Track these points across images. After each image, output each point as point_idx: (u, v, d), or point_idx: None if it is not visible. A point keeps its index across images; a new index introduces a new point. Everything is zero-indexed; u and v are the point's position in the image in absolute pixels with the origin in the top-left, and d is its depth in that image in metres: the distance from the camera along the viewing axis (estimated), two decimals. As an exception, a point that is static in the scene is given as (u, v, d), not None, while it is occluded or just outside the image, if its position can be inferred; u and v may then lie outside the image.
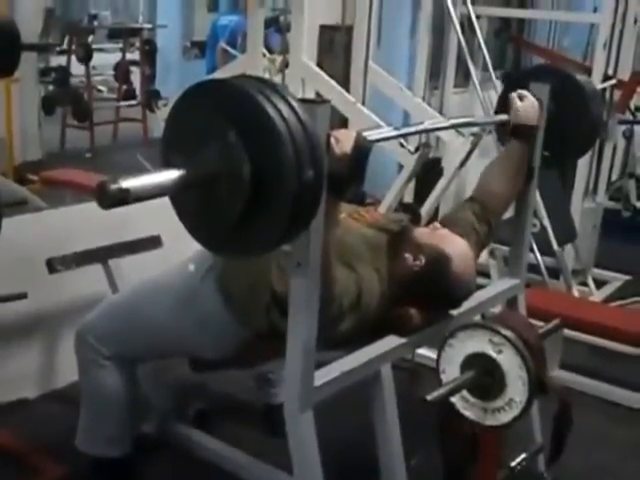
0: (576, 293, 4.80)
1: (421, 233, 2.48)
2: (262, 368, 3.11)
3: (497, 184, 2.74)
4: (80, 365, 2.80)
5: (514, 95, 2.62)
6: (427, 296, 2.41)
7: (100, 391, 2.75)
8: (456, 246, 2.42)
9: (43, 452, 3.00)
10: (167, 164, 1.64)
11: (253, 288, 2.49)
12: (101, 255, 3.19)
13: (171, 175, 1.56)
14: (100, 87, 10.74)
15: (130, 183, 1.45)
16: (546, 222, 4.57)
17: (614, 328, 3.75)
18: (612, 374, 3.91)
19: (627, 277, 5.37)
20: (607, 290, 5.18)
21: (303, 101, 1.66)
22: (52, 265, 3.09)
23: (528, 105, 2.61)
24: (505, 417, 1.94)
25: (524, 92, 2.62)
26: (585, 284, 5.14)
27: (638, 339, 3.73)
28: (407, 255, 2.41)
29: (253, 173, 1.55)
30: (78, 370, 2.81)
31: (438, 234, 2.47)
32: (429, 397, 1.82)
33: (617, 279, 5.37)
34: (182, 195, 1.65)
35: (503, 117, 2.60)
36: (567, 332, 3.90)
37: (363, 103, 4.04)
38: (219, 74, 4.74)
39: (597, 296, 5.03)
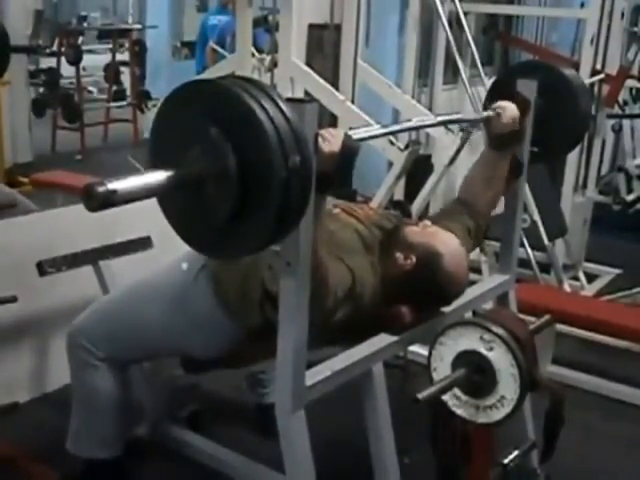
0: (567, 287, 4.81)
1: (411, 231, 2.47)
2: (253, 368, 3.10)
3: (479, 186, 2.74)
4: (72, 366, 2.79)
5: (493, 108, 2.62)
6: (420, 294, 2.41)
7: (92, 392, 2.74)
8: (447, 243, 2.42)
9: (34, 456, 2.99)
10: (155, 165, 1.63)
11: (246, 284, 2.49)
12: (91, 257, 3.18)
13: (159, 176, 1.56)
14: (90, 88, 10.70)
15: (117, 185, 1.45)
16: (536, 217, 4.58)
17: (606, 322, 3.76)
18: (605, 368, 3.91)
19: (618, 271, 5.39)
20: (598, 284, 5.20)
21: (291, 100, 1.66)
22: (42, 268, 3.08)
23: (506, 119, 2.59)
24: (497, 414, 1.93)
25: (502, 105, 2.61)
26: (576, 278, 5.15)
27: (630, 333, 3.74)
28: (398, 255, 2.40)
29: (240, 169, 1.56)
30: (70, 371, 2.80)
31: (428, 232, 2.46)
32: (420, 396, 1.82)
33: (608, 273, 5.39)
34: (170, 196, 1.65)
35: (490, 114, 2.59)
36: (559, 327, 3.90)
37: (352, 101, 4.04)
38: (208, 74, 4.74)
39: (588, 290, 5.04)
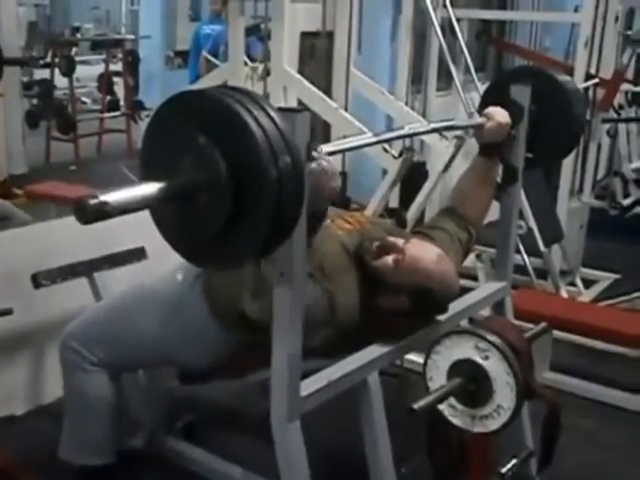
0: (564, 293, 4.80)
1: (387, 270, 2.36)
2: (258, 377, 3.08)
3: (469, 195, 2.75)
4: (64, 371, 2.78)
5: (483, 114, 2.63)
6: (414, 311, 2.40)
7: (84, 397, 2.72)
8: (427, 270, 2.34)
9: (30, 468, 2.97)
10: (147, 177, 1.63)
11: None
12: (86, 268, 3.18)
13: (151, 188, 1.55)
14: (84, 99, 10.69)
15: (109, 198, 1.44)
16: (532, 223, 4.57)
17: (603, 328, 3.75)
18: (602, 375, 3.90)
19: (616, 276, 5.38)
20: (596, 290, 5.19)
21: (283, 110, 1.65)
22: (37, 280, 3.08)
23: (493, 125, 2.59)
24: (494, 424, 1.92)
25: (491, 112, 2.61)
26: (573, 284, 5.14)
27: (628, 339, 3.73)
28: (388, 296, 2.38)
29: (232, 177, 1.55)
30: (62, 377, 2.79)
31: (406, 266, 2.34)
32: (416, 406, 1.81)
33: (606, 278, 5.38)
34: (163, 207, 1.64)
35: (483, 120, 2.59)
36: (556, 333, 3.90)
37: (345, 109, 4.04)
38: (201, 83, 4.74)
39: (586, 296, 5.02)
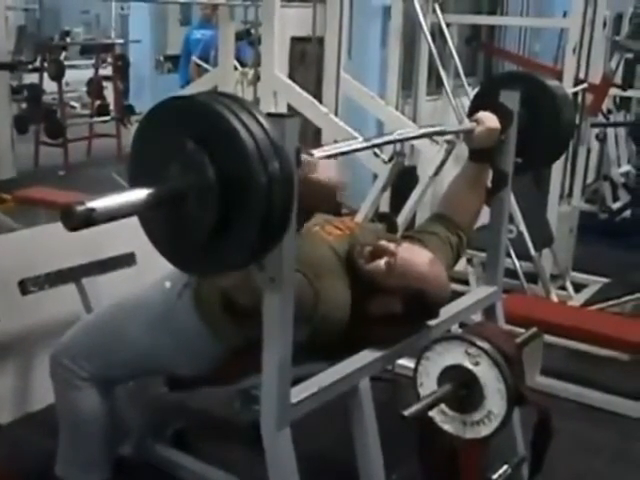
0: (555, 297, 4.80)
1: (379, 273, 2.35)
2: (245, 384, 3.07)
3: (459, 199, 2.75)
4: (56, 388, 2.75)
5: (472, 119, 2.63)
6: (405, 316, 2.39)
7: (77, 414, 2.70)
8: (420, 273, 2.33)
9: (17, 477, 2.95)
10: (135, 183, 1.62)
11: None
12: (74, 274, 3.15)
13: (139, 194, 1.54)
14: (73, 103, 10.67)
15: (96, 204, 1.43)
16: (522, 227, 4.57)
17: (594, 332, 3.75)
18: (593, 379, 3.90)
19: (606, 280, 5.38)
20: (586, 294, 5.18)
21: (272, 115, 1.65)
22: (25, 286, 3.06)
23: (483, 131, 2.59)
24: (485, 430, 1.92)
25: (481, 117, 2.61)
26: (564, 288, 5.14)
27: (618, 343, 3.73)
28: (380, 300, 2.37)
29: (220, 182, 1.54)
30: (54, 394, 2.76)
31: (399, 268, 2.33)
32: (406, 412, 1.80)
33: (596, 282, 5.37)
34: (151, 214, 1.63)
35: (473, 125, 2.59)
36: (547, 337, 3.89)
37: (336, 114, 4.03)
38: (191, 88, 4.73)
39: (576, 300, 5.02)
